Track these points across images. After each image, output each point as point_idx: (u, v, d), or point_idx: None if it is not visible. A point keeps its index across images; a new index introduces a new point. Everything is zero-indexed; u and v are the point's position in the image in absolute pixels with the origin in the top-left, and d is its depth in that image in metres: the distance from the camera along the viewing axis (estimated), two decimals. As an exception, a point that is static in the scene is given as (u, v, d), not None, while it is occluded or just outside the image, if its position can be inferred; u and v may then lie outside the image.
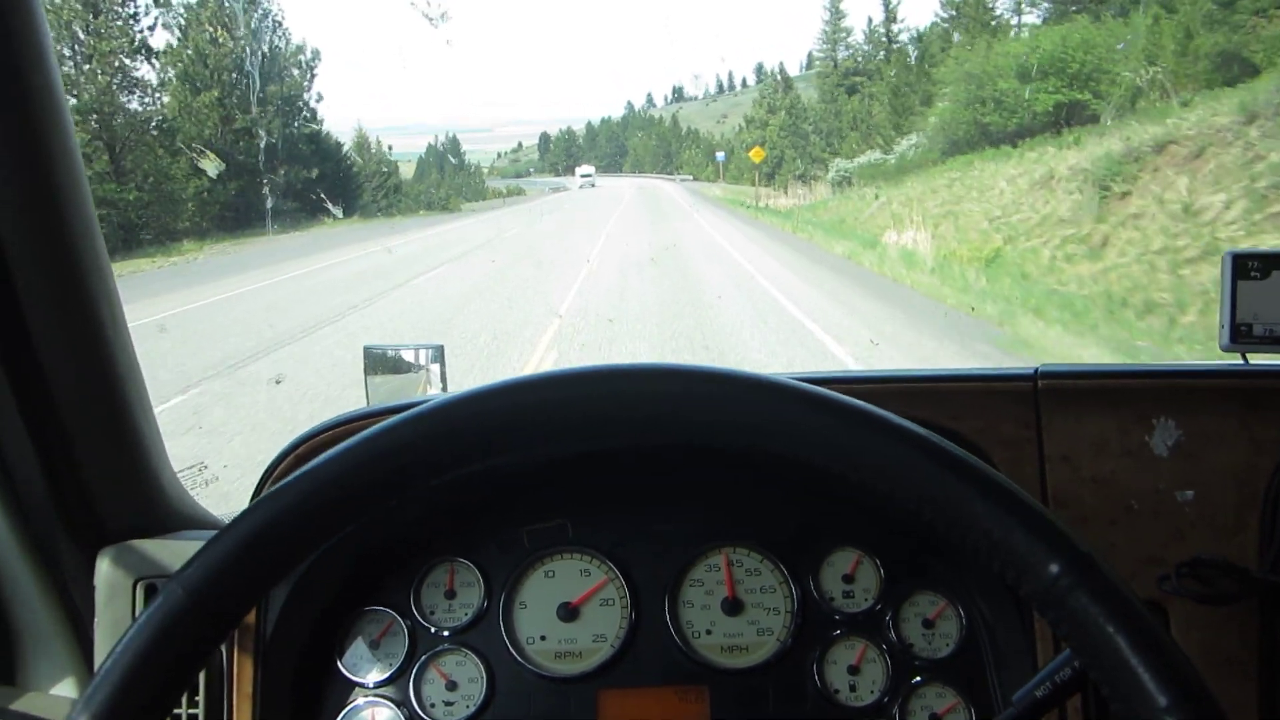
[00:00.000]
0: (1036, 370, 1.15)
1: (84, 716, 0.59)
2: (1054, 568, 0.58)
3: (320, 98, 32.77)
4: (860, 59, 52.94)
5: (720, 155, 65.29)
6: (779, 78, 51.23)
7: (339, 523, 0.65)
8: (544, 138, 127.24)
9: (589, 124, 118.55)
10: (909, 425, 0.63)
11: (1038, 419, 1.11)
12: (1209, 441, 1.08)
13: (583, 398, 0.67)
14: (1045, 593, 0.59)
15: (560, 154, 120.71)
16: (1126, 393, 1.12)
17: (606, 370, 0.68)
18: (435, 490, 0.66)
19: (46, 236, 0.99)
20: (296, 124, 30.63)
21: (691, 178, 70.91)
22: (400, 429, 0.66)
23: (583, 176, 76.72)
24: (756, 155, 35.95)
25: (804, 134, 45.63)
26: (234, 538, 0.63)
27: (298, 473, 0.64)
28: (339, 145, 33.72)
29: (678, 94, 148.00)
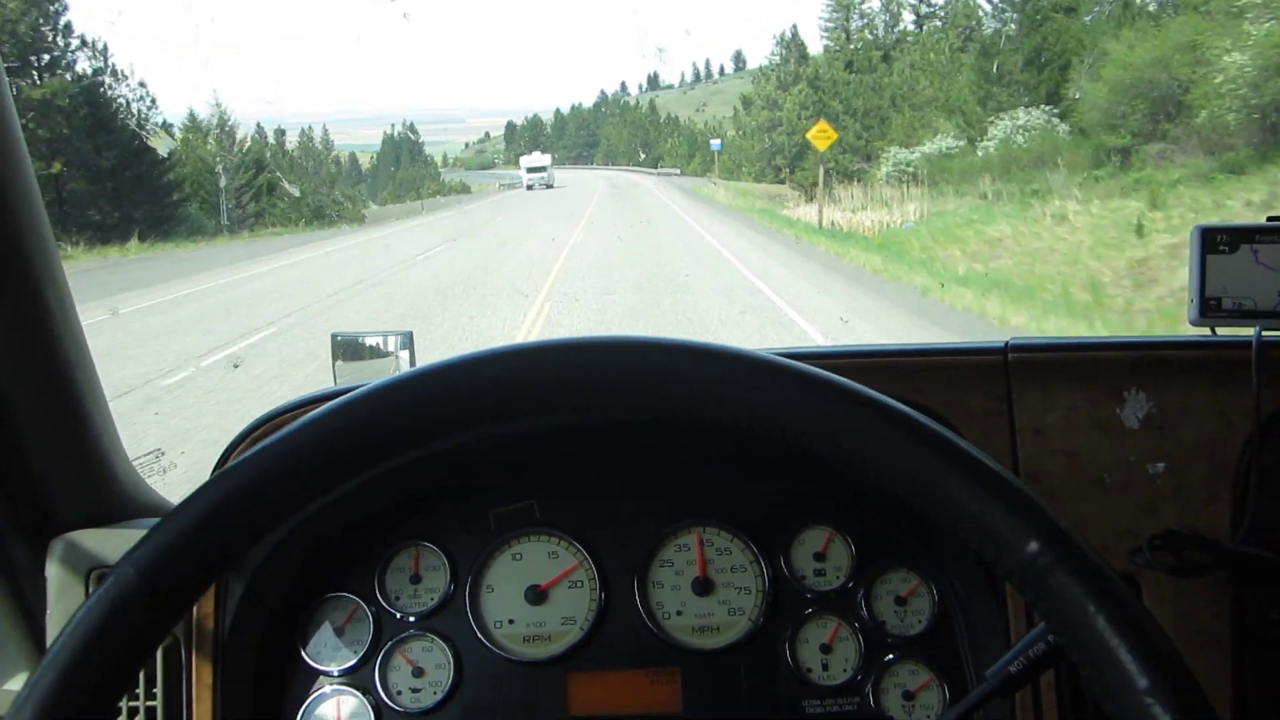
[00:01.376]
0: (1007, 343, 1.13)
1: (29, 705, 0.56)
2: (1033, 545, 0.56)
3: (83, 42, 19.36)
4: (880, 29, 40.57)
5: (716, 143, 51.96)
6: (790, 44, 38.75)
7: (294, 502, 0.62)
8: (510, 126, 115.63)
9: (557, 111, 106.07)
10: (888, 400, 0.61)
11: (1008, 392, 1.09)
12: (1179, 413, 1.07)
13: (542, 368, 0.64)
14: (1024, 570, 0.57)
15: (525, 144, 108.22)
16: (1096, 365, 1.10)
17: (565, 343, 0.64)
18: (397, 471, 0.65)
19: None
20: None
21: (677, 171, 56.63)
22: (352, 407, 0.63)
23: (530, 171, 52.19)
24: (821, 139, 20.41)
25: (832, 114, 33.33)
26: (187, 516, 0.61)
27: (252, 450, 0.62)
28: (144, 126, 20.64)
29: (653, 82, 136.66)
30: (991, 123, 23.79)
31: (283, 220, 25.42)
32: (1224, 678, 1.02)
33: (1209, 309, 1.08)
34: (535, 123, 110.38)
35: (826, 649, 1.11)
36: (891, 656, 1.11)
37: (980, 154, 23.03)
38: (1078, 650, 0.55)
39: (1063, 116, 23.08)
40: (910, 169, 26.03)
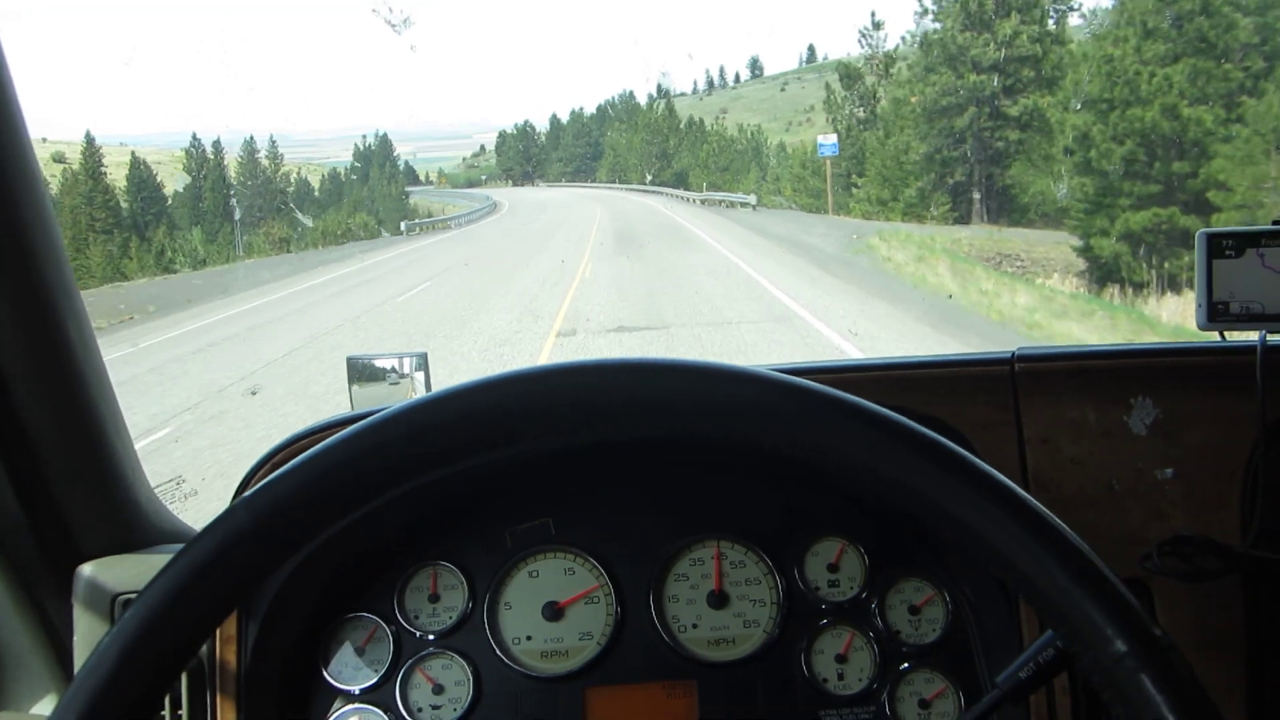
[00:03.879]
0: (1014, 354, 1.15)
1: (144, 602, 0.58)
2: (1120, 646, 0.55)
3: None
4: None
5: (828, 144, 30.52)
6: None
7: (412, 472, 0.63)
8: (501, 137, 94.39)
9: (553, 117, 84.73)
10: (998, 475, 0.61)
11: (1015, 402, 1.11)
12: (1187, 419, 1.09)
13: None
14: (1107, 670, 0.55)
15: (515, 157, 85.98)
16: (1103, 373, 1.12)
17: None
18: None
19: (9, 256, 0.98)
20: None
21: (753, 201, 33.97)
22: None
23: None
24: None
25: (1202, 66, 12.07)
26: (313, 467, 0.62)
27: (379, 416, 0.63)
28: None
29: (663, 92, 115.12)
30: None
31: None
32: (1238, 683, 1.03)
33: (1217, 313, 1.10)
34: (525, 131, 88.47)
35: (842, 659, 1.13)
36: (907, 665, 1.13)
37: None
38: None
39: None
40: None
